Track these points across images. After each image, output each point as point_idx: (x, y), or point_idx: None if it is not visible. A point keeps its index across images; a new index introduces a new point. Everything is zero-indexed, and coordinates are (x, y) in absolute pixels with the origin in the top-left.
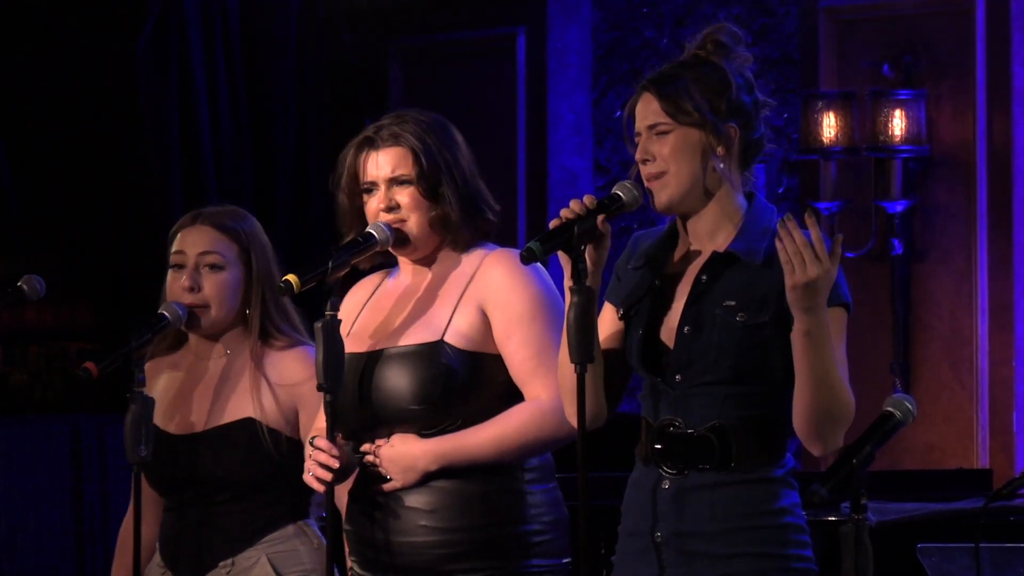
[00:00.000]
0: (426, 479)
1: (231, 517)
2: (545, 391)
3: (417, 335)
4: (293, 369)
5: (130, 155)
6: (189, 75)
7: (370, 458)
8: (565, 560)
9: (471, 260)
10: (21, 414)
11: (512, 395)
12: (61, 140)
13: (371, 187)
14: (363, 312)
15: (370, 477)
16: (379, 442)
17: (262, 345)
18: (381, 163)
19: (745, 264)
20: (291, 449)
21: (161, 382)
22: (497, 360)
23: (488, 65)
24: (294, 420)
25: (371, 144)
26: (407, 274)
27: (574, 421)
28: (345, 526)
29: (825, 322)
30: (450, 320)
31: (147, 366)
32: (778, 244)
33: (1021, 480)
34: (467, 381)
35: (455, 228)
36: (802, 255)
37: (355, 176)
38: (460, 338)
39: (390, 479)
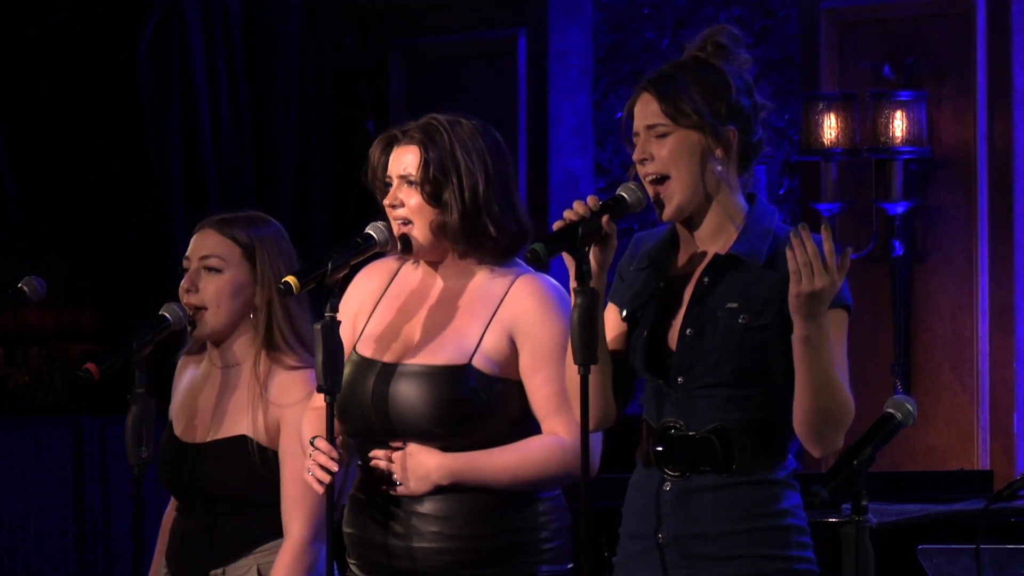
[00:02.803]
0: (438, 489)
1: (228, 528)
2: (565, 430)
3: (443, 354)
4: (288, 389)
5: (131, 157)
6: (190, 76)
7: (382, 463)
8: (569, 566)
9: (502, 280)
10: (22, 416)
11: (524, 419)
12: (62, 142)
13: (390, 182)
14: (379, 307)
15: (377, 480)
16: (394, 444)
17: (270, 360)
18: (397, 160)
19: (747, 266)
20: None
21: (184, 380)
22: (517, 386)
23: (489, 66)
24: (277, 437)
25: (396, 140)
26: (425, 274)
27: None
28: (345, 528)
29: (825, 328)
30: (479, 343)
31: (179, 362)
32: (788, 253)
33: (1022, 481)
34: (487, 406)
35: (452, 237)
36: (811, 265)
37: (376, 170)
38: (487, 363)
39: (399, 483)
